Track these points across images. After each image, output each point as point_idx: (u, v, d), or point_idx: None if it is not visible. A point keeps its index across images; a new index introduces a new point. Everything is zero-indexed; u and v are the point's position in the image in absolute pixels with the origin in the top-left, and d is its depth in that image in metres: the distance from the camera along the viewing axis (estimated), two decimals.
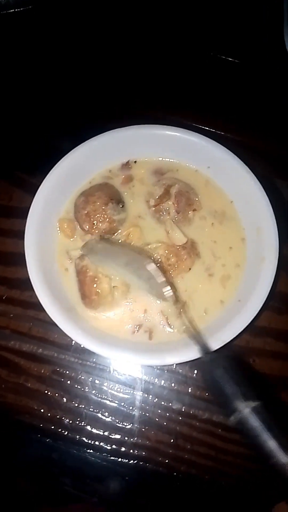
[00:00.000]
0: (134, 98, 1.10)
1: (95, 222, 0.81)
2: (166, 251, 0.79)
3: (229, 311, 0.78)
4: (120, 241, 0.82)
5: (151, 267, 0.70)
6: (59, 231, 0.84)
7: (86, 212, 0.81)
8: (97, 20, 1.16)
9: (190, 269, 0.80)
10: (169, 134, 0.84)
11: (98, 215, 0.80)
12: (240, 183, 0.82)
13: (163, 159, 0.89)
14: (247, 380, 0.61)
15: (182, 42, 1.15)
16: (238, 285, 0.80)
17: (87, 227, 0.81)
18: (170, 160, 0.88)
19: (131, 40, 1.15)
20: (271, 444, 0.54)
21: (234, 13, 1.15)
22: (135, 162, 0.88)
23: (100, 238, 0.80)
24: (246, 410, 0.56)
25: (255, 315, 0.73)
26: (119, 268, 0.76)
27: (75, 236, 0.84)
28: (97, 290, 0.76)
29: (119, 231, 0.83)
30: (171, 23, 1.16)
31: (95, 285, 0.76)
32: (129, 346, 0.74)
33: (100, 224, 0.81)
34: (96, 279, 0.76)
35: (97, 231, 0.81)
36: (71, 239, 0.84)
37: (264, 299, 0.74)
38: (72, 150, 0.84)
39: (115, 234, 0.83)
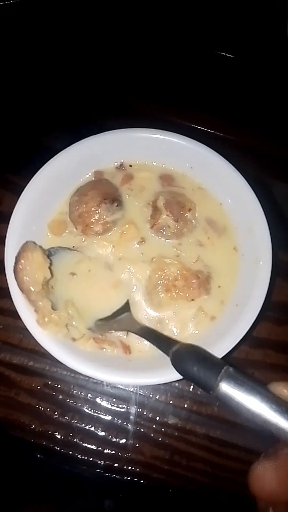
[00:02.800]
0: (128, 96, 1.06)
1: (88, 224, 0.77)
2: (178, 271, 0.74)
3: (227, 317, 0.74)
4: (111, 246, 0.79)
5: None
6: (49, 235, 0.80)
7: (79, 213, 0.78)
8: (96, 14, 1.11)
9: (192, 300, 0.75)
10: (153, 137, 0.80)
11: (91, 217, 0.77)
12: (228, 184, 0.79)
13: (164, 166, 0.84)
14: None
15: (180, 39, 1.11)
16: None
17: (81, 228, 0.78)
18: (162, 165, 0.84)
19: (127, 36, 1.11)
20: (256, 401, 0.49)
21: (233, 9, 1.11)
22: (130, 166, 0.84)
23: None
24: (219, 379, 0.52)
25: (255, 317, 0.70)
26: None
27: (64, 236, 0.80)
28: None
29: (114, 229, 0.79)
30: (170, 20, 1.12)
31: None
32: (119, 365, 0.71)
33: (93, 226, 0.77)
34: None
35: (92, 233, 0.78)
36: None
37: (262, 302, 0.70)
38: (56, 155, 0.80)
39: (109, 234, 0.79)
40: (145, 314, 0.76)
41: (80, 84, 1.07)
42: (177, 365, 0.60)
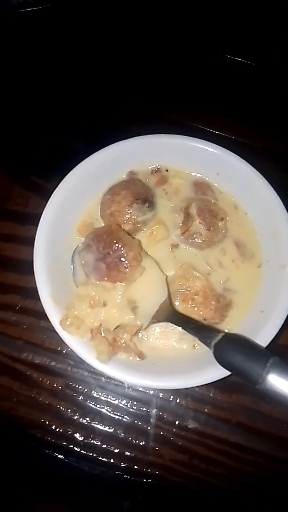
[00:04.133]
0: (152, 102, 1.07)
1: (119, 223, 0.78)
2: (201, 288, 0.75)
3: (253, 324, 0.74)
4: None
5: None
6: (78, 237, 0.81)
7: (110, 212, 0.79)
8: (114, 22, 1.13)
9: (205, 319, 0.74)
10: (186, 144, 0.82)
11: (122, 216, 0.78)
12: (251, 189, 0.80)
13: (198, 175, 0.86)
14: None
15: (195, 44, 1.13)
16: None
17: None
18: (197, 174, 0.86)
19: (148, 44, 1.13)
20: None
21: (244, 13, 1.13)
22: (167, 170, 0.85)
23: None
24: (266, 370, 0.52)
25: (282, 323, 0.70)
26: None
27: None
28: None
29: (144, 230, 0.81)
30: (185, 26, 1.14)
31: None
32: (143, 367, 0.72)
33: (124, 226, 0.78)
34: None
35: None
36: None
37: None
38: (86, 159, 0.82)
39: (138, 234, 0.80)
40: None
41: (102, 88, 1.09)
42: (220, 357, 0.58)
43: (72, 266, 0.78)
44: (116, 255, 0.70)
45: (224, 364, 0.58)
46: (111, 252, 0.70)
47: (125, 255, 0.70)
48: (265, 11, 1.14)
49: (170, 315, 0.71)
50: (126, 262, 0.70)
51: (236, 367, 0.56)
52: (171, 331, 0.77)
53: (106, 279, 0.71)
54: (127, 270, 0.70)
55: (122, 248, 0.70)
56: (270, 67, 1.11)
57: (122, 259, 0.70)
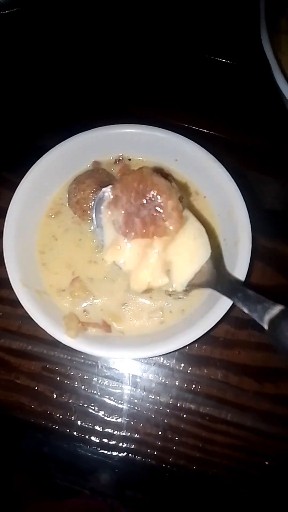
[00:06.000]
0: (123, 99, 1.12)
1: (85, 210, 0.83)
2: None
3: (209, 296, 0.79)
4: None
5: None
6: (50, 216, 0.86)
7: (76, 200, 0.83)
8: (90, 18, 1.17)
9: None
10: (135, 132, 0.86)
11: (87, 203, 0.82)
12: (208, 173, 0.83)
13: (156, 161, 0.90)
14: None
15: (173, 43, 1.17)
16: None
17: (78, 214, 0.84)
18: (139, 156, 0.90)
19: (122, 39, 1.17)
20: None
21: (226, 15, 1.17)
22: (129, 159, 0.90)
23: None
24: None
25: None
26: None
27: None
28: None
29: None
30: (166, 23, 1.18)
31: None
32: (112, 341, 0.76)
33: (89, 212, 0.82)
34: None
35: (88, 218, 0.84)
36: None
37: (245, 274, 0.75)
38: (50, 150, 0.85)
39: None
40: None
41: (75, 86, 1.13)
42: (276, 337, 0.50)
43: (95, 221, 0.73)
44: (152, 205, 0.59)
45: (279, 346, 0.49)
46: (145, 203, 0.59)
47: (163, 205, 0.59)
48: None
49: (213, 279, 0.62)
50: (165, 213, 0.59)
51: None
52: (140, 311, 0.81)
53: (141, 236, 0.62)
54: (167, 223, 0.59)
55: (159, 197, 0.59)
56: (232, 62, 1.16)
57: (160, 210, 0.59)
